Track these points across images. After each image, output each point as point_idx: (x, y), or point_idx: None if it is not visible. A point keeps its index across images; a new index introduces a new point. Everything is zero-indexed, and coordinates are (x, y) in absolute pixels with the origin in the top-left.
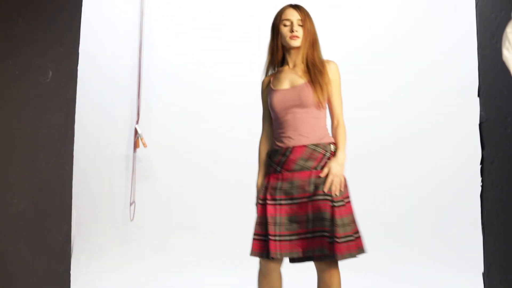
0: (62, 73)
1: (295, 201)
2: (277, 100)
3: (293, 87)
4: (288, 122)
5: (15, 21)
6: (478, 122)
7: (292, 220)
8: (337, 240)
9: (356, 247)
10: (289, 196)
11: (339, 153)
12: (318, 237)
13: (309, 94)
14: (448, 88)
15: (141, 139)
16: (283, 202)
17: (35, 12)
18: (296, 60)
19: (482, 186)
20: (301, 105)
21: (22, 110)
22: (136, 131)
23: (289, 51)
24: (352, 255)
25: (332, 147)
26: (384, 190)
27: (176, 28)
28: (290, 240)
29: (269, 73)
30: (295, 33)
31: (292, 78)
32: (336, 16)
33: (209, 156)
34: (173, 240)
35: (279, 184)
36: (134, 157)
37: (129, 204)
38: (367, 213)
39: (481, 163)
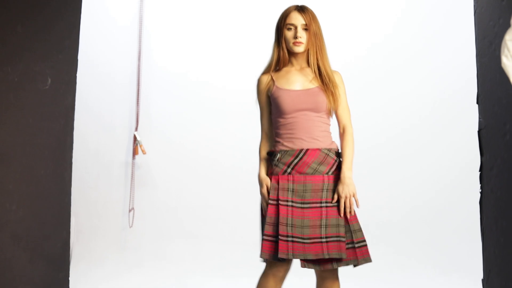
0: (61, 80)
1: (307, 205)
2: (289, 100)
3: (306, 89)
4: (299, 124)
5: (14, 28)
6: (477, 129)
7: (304, 224)
8: (356, 245)
9: (368, 254)
10: (301, 199)
11: (345, 173)
12: (333, 241)
13: (323, 99)
14: (448, 95)
15: (140, 146)
16: (295, 204)
17: (34, 19)
18: (302, 64)
19: (481, 193)
20: (315, 109)
21: (21, 117)
22: (135, 138)
23: (295, 54)
24: (367, 260)
25: (340, 154)
26: (383, 197)
27: (175, 36)
28: (303, 243)
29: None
30: (298, 39)
31: (303, 80)
32: (336, 24)
33: (208, 162)
34: (173, 247)
35: (291, 185)
36: (133, 164)
37: (128, 211)
38: (365, 220)
39: (480, 169)
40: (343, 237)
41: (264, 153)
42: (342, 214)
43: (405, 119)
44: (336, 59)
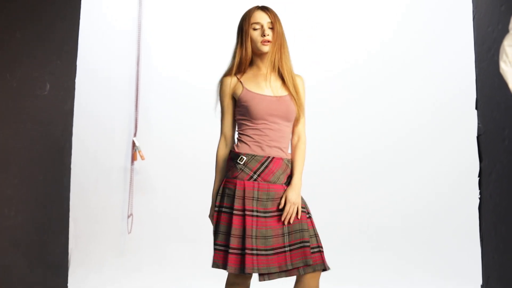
0: (60, 86)
1: (269, 214)
2: (262, 105)
3: (278, 96)
4: (270, 131)
5: (13, 34)
6: (476, 134)
7: (267, 234)
8: (321, 249)
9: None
10: (264, 208)
11: (296, 180)
12: (297, 248)
13: (293, 108)
14: (447, 100)
15: (139, 152)
16: (259, 214)
17: (33, 26)
18: (269, 67)
19: (480, 198)
20: (285, 117)
21: (20, 123)
22: (133, 144)
23: (261, 56)
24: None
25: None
26: (382, 202)
27: (174, 42)
28: (266, 255)
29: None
30: (266, 37)
31: (273, 86)
32: (336, 31)
33: (207, 168)
34: (171, 253)
35: (256, 193)
36: (131, 170)
37: (126, 216)
38: (363, 226)
39: (479, 175)
40: (307, 241)
41: (221, 162)
42: (285, 221)
43: (404, 124)
44: (336, 65)
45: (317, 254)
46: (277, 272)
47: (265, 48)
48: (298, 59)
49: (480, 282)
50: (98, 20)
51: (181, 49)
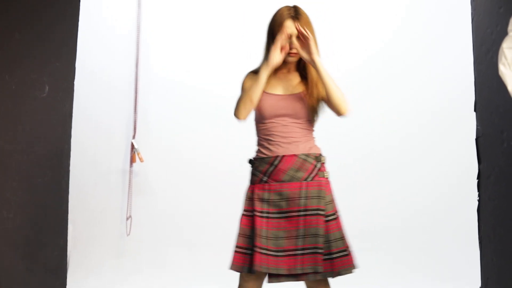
0: (58, 87)
1: (284, 214)
2: (268, 104)
3: (288, 95)
4: (277, 129)
5: (12, 35)
6: (474, 136)
7: (279, 235)
8: (332, 256)
9: (351, 263)
10: (277, 209)
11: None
12: (309, 254)
13: (303, 106)
14: (446, 103)
15: (138, 154)
16: (271, 215)
17: (31, 27)
18: (291, 67)
19: (479, 201)
20: (294, 115)
21: (18, 125)
22: (132, 146)
23: (287, 58)
24: (348, 270)
25: (322, 158)
26: (380, 205)
27: (173, 44)
28: (276, 256)
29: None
30: (293, 50)
31: (287, 84)
32: (336, 33)
33: (206, 170)
34: (171, 255)
35: (266, 195)
36: (130, 172)
37: (125, 218)
38: (361, 228)
39: (478, 177)
40: (321, 248)
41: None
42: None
43: (402, 126)
44: (336, 67)
45: (328, 262)
46: (286, 275)
47: (291, 59)
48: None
49: (479, 284)
50: (97, 22)
51: (180, 51)
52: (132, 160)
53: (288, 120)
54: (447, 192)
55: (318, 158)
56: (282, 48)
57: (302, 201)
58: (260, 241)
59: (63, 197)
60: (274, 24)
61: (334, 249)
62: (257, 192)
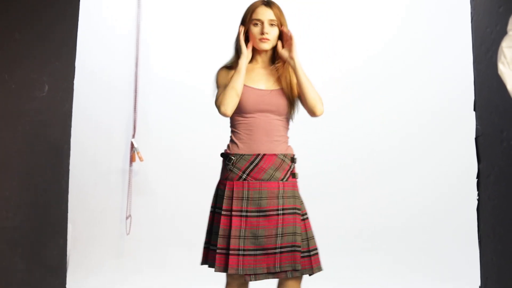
0: (58, 87)
1: (263, 213)
2: (252, 98)
3: (270, 90)
4: (259, 125)
5: (12, 35)
6: (474, 136)
7: (258, 234)
8: (310, 253)
9: (320, 262)
10: (256, 207)
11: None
12: (288, 252)
13: (284, 102)
14: (446, 102)
15: (138, 153)
16: (249, 213)
17: (31, 27)
18: (266, 61)
19: (478, 200)
20: (276, 111)
21: (18, 124)
22: (132, 145)
23: (260, 51)
24: (320, 269)
25: (295, 159)
26: (380, 205)
27: (173, 44)
28: (254, 255)
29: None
30: (265, 35)
31: (267, 79)
32: (335, 34)
33: (206, 170)
34: (170, 254)
35: (245, 193)
36: (130, 171)
37: (125, 218)
38: (360, 228)
39: (477, 177)
40: (299, 246)
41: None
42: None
43: (402, 126)
44: (335, 68)
45: (307, 259)
46: (264, 273)
47: (263, 46)
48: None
49: (479, 284)
50: (97, 22)
51: (180, 51)
52: (132, 160)
53: (270, 116)
54: (447, 192)
55: (293, 159)
56: (251, 37)
57: (280, 200)
58: (236, 243)
59: (63, 196)
60: (247, 13)
61: (311, 247)
62: (236, 189)
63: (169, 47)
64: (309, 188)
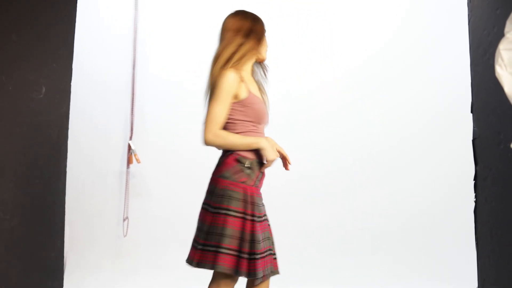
0: (55, 89)
1: (263, 218)
2: (264, 111)
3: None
4: (263, 135)
5: (9, 37)
6: (471, 138)
7: (265, 236)
8: (275, 256)
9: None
10: (259, 213)
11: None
12: (271, 255)
13: None
14: (444, 104)
15: (135, 155)
16: (262, 219)
17: (28, 28)
18: (253, 69)
19: (475, 202)
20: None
21: (16, 126)
22: (129, 147)
23: (256, 60)
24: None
25: None
26: (380, 206)
27: (170, 45)
28: (262, 258)
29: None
30: (261, 58)
31: (260, 90)
32: (335, 35)
33: (203, 171)
34: (167, 256)
35: (257, 199)
36: (127, 173)
37: (122, 219)
38: (359, 229)
39: (475, 179)
40: (272, 249)
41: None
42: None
43: (400, 128)
44: (334, 70)
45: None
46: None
47: (264, 59)
48: (298, 62)
49: (476, 285)
50: (94, 23)
51: (177, 52)
52: (129, 161)
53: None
54: (447, 193)
55: None
56: (263, 48)
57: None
58: (262, 246)
59: (60, 198)
60: (260, 22)
61: (274, 250)
62: (256, 196)
63: (166, 48)
64: (309, 188)
